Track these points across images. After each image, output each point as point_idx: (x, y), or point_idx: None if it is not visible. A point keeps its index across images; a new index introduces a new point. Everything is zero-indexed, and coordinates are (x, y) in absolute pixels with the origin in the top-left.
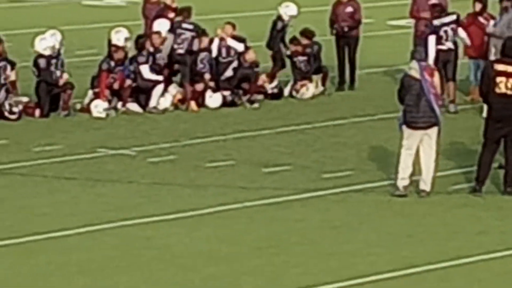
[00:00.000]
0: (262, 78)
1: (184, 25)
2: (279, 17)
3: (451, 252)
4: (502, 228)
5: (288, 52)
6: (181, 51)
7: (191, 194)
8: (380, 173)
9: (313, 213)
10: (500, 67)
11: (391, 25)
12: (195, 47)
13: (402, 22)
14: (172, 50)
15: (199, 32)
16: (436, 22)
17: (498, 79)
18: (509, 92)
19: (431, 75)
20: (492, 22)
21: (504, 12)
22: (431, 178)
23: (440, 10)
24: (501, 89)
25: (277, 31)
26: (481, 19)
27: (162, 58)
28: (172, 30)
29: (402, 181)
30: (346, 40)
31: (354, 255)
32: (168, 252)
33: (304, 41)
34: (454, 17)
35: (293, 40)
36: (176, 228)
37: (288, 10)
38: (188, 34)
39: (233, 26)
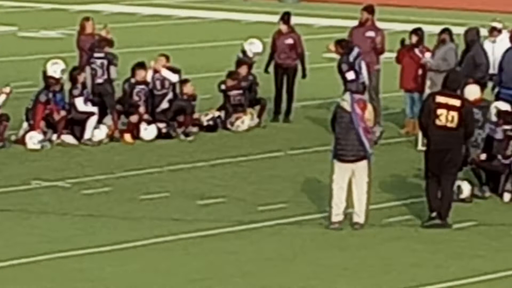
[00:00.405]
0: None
1: (96, 54)
2: (244, 53)
3: (386, 284)
4: (435, 261)
5: (223, 87)
6: (99, 80)
7: (125, 226)
8: (315, 205)
9: (248, 245)
10: (441, 99)
11: (326, 57)
12: (113, 75)
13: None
14: (93, 82)
15: (111, 59)
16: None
17: (439, 111)
18: (449, 124)
19: (363, 108)
20: (428, 54)
21: (441, 45)
22: (364, 211)
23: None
24: (442, 121)
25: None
26: (416, 51)
27: (87, 93)
28: (87, 62)
29: (336, 217)
30: (285, 71)
31: (289, 287)
32: (103, 285)
33: (243, 71)
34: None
35: (231, 74)
36: (111, 260)
37: (253, 47)
38: (99, 63)
39: (167, 58)
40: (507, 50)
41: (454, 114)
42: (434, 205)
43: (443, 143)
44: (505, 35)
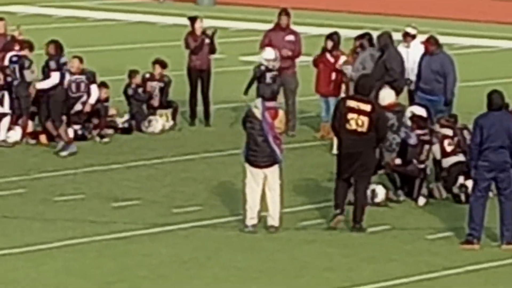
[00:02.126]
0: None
1: (12, 58)
2: (259, 65)
3: None
4: (348, 265)
5: (133, 86)
6: (14, 83)
7: (39, 227)
8: (229, 208)
9: (162, 248)
10: (351, 103)
11: (243, 60)
12: (28, 78)
13: (254, 58)
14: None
15: (23, 63)
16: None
17: (350, 115)
18: (359, 129)
19: (274, 116)
20: (343, 58)
21: (359, 50)
22: (278, 214)
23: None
24: (352, 125)
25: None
26: (328, 56)
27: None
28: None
29: (251, 220)
30: (199, 74)
31: None
32: (15, 286)
33: (158, 70)
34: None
35: (132, 72)
36: (24, 262)
37: (264, 54)
38: (12, 66)
39: (80, 60)
40: (422, 56)
41: (365, 119)
42: (339, 202)
43: (354, 147)
44: (418, 40)
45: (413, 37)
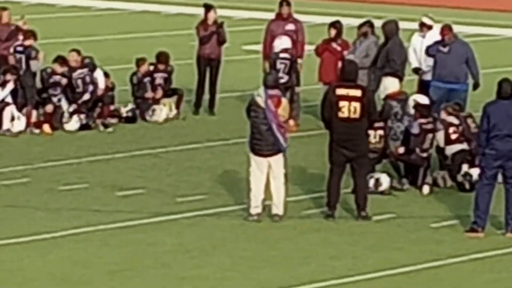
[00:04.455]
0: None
1: (17, 48)
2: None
3: (304, 276)
4: (354, 253)
5: (139, 75)
6: (20, 72)
7: (44, 217)
8: (234, 197)
9: (166, 236)
10: (341, 91)
11: (246, 50)
12: (33, 68)
13: (257, 47)
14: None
15: (29, 54)
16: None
17: (341, 103)
18: (351, 115)
19: (278, 104)
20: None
21: (362, 38)
22: (282, 202)
23: None
24: (344, 113)
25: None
26: (334, 45)
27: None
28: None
29: (255, 209)
30: (209, 63)
31: (208, 279)
32: (20, 275)
33: (161, 66)
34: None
35: (139, 60)
36: (29, 251)
37: (279, 43)
38: (18, 56)
39: (78, 52)
40: (438, 45)
41: (356, 104)
42: (332, 199)
43: (347, 134)
44: (435, 31)
45: (429, 27)
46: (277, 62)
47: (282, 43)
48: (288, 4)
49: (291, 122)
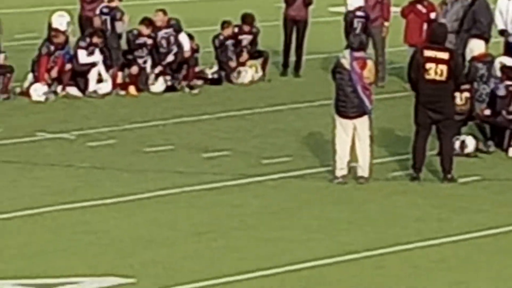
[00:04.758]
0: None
1: (103, 10)
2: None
3: (389, 238)
4: (439, 215)
5: (221, 37)
6: (106, 34)
7: (130, 178)
8: (319, 159)
9: (252, 198)
10: (429, 53)
11: (332, 11)
12: (119, 29)
13: (343, 9)
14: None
15: (114, 15)
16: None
17: (428, 65)
18: (438, 78)
19: (363, 66)
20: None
21: (453, 1)
22: (368, 164)
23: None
24: (431, 75)
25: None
26: (419, 7)
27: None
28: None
29: (341, 171)
30: (295, 24)
31: (293, 241)
32: (107, 237)
33: (246, 28)
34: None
35: (224, 23)
36: (115, 213)
37: (353, 1)
38: (103, 18)
39: (164, 12)
40: None
41: (443, 67)
42: (417, 161)
43: (433, 96)
44: None
45: None
46: (354, 21)
47: (356, 1)
48: None
49: None
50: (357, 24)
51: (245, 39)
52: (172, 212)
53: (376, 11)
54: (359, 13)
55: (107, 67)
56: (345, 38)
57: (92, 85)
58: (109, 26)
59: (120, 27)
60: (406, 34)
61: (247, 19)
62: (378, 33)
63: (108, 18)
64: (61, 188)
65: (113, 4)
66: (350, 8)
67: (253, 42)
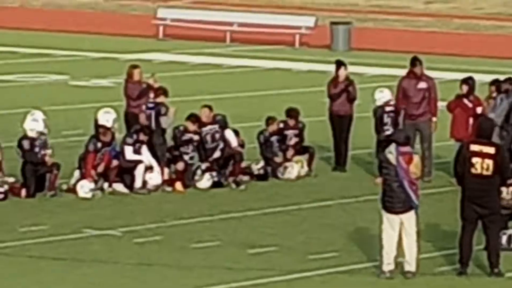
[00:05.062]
0: None
1: (148, 105)
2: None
3: None
4: None
5: (266, 133)
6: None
7: (177, 275)
8: (366, 254)
9: None
10: (475, 147)
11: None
12: (163, 125)
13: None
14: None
15: (159, 110)
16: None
17: (474, 159)
18: (484, 172)
19: (409, 161)
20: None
21: (503, 96)
22: (415, 259)
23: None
24: (477, 169)
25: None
26: (466, 101)
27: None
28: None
29: (388, 266)
30: (340, 120)
31: None
32: None
33: (291, 122)
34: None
35: (269, 119)
36: None
37: (380, 95)
38: (148, 113)
39: (210, 108)
40: None
41: (489, 162)
42: (464, 255)
43: (479, 191)
44: None
45: None
46: (384, 116)
47: (384, 96)
48: (421, 63)
49: None
50: (387, 118)
51: (291, 134)
52: None
53: (423, 106)
54: (388, 108)
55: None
56: (376, 133)
57: (139, 181)
58: (153, 122)
59: (164, 122)
60: (453, 129)
61: (292, 113)
62: (425, 128)
63: (152, 113)
64: (108, 285)
65: (158, 100)
66: (379, 103)
67: (299, 138)
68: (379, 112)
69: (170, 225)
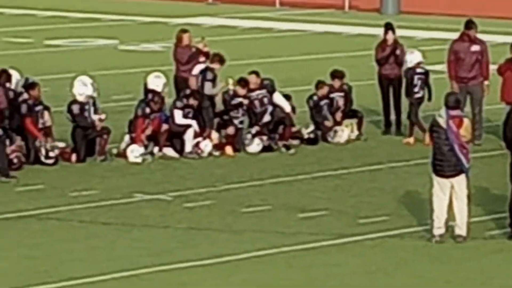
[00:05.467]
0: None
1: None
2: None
3: None
4: None
5: (315, 98)
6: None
7: (227, 239)
8: (416, 218)
9: (350, 258)
10: None
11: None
12: (207, 91)
13: (439, 67)
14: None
15: (204, 75)
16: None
17: None
18: None
19: (459, 125)
20: None
21: None
22: (465, 223)
23: None
24: None
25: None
26: None
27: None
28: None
29: (438, 230)
30: (390, 82)
31: None
32: None
33: (336, 83)
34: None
35: (319, 83)
36: (212, 274)
37: (412, 57)
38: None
39: (257, 74)
40: None
41: None
42: None
43: None
44: None
45: None
46: (414, 77)
47: (415, 57)
48: (476, 26)
49: None
50: (417, 80)
51: (337, 96)
52: (270, 272)
53: (476, 69)
54: (418, 70)
55: (201, 128)
56: (406, 95)
57: (189, 146)
58: (200, 86)
59: (208, 89)
60: (503, 92)
61: (337, 74)
62: (477, 91)
63: (200, 77)
64: (159, 249)
65: (212, 65)
66: (410, 65)
67: (347, 101)
68: (409, 74)
69: (220, 190)
